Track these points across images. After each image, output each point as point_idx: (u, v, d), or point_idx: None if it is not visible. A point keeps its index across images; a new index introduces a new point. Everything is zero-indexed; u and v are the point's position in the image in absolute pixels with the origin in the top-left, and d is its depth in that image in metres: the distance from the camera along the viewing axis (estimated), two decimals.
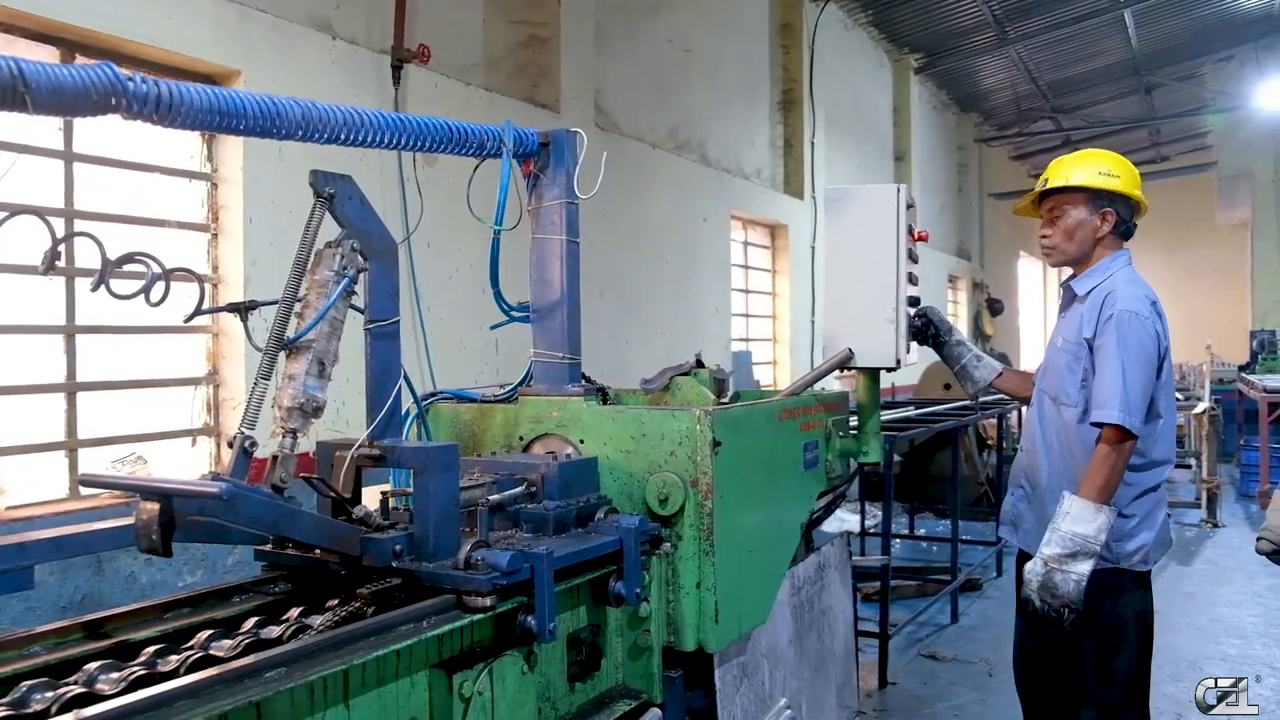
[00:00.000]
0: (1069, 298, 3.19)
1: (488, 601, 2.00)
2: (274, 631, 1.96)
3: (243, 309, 2.18)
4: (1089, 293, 3.06)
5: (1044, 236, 3.18)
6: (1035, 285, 25.94)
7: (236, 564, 4.22)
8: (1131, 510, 2.98)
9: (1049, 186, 3.10)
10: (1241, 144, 16.38)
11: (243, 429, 1.97)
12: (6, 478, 3.79)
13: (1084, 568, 2.76)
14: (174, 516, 1.76)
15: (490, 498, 2.33)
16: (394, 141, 2.35)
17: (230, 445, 2.00)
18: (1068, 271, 3.23)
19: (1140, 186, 3.14)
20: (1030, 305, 24.92)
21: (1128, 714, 3.04)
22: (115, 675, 1.73)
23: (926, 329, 3.42)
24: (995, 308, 18.98)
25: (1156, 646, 5.61)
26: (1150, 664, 3.12)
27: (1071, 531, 2.77)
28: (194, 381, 4.45)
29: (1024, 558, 3.20)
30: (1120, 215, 3.09)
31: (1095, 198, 3.07)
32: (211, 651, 1.85)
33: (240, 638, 1.91)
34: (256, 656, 1.68)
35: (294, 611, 2.06)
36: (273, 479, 2.02)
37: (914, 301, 3.31)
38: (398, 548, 2.10)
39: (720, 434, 2.58)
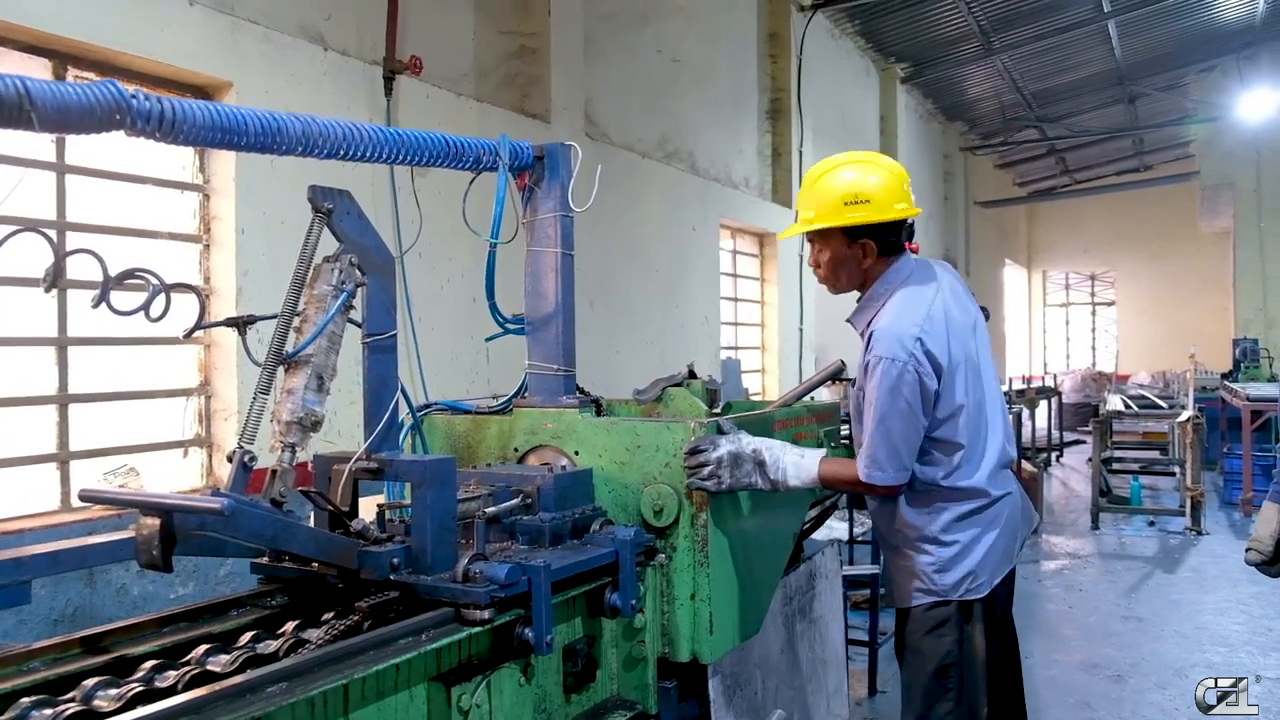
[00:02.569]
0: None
1: (486, 614, 2.01)
2: (273, 646, 1.96)
3: (240, 323, 2.19)
4: (864, 333, 2.75)
5: (814, 267, 2.88)
6: (1021, 292, 26.12)
7: (229, 575, 4.21)
8: (951, 536, 2.72)
9: (791, 234, 2.82)
10: (1224, 153, 16.52)
11: (242, 443, 1.98)
12: None
13: (756, 480, 2.60)
14: (174, 532, 1.77)
15: (487, 510, 2.34)
16: (392, 156, 2.37)
17: (229, 459, 2.01)
18: None
19: (901, 187, 2.72)
20: (1016, 312, 25.09)
21: None
22: (114, 692, 1.73)
23: None
24: (982, 315, 19.09)
25: (1141, 654, 5.73)
26: (983, 707, 2.76)
27: (783, 463, 2.61)
28: (186, 393, 4.44)
29: (899, 614, 2.91)
30: (881, 237, 2.73)
31: (847, 230, 2.72)
32: (210, 667, 1.86)
33: (239, 652, 1.91)
34: (257, 671, 1.69)
35: (292, 626, 2.07)
36: (271, 493, 2.03)
37: None
38: (395, 561, 2.12)
39: None
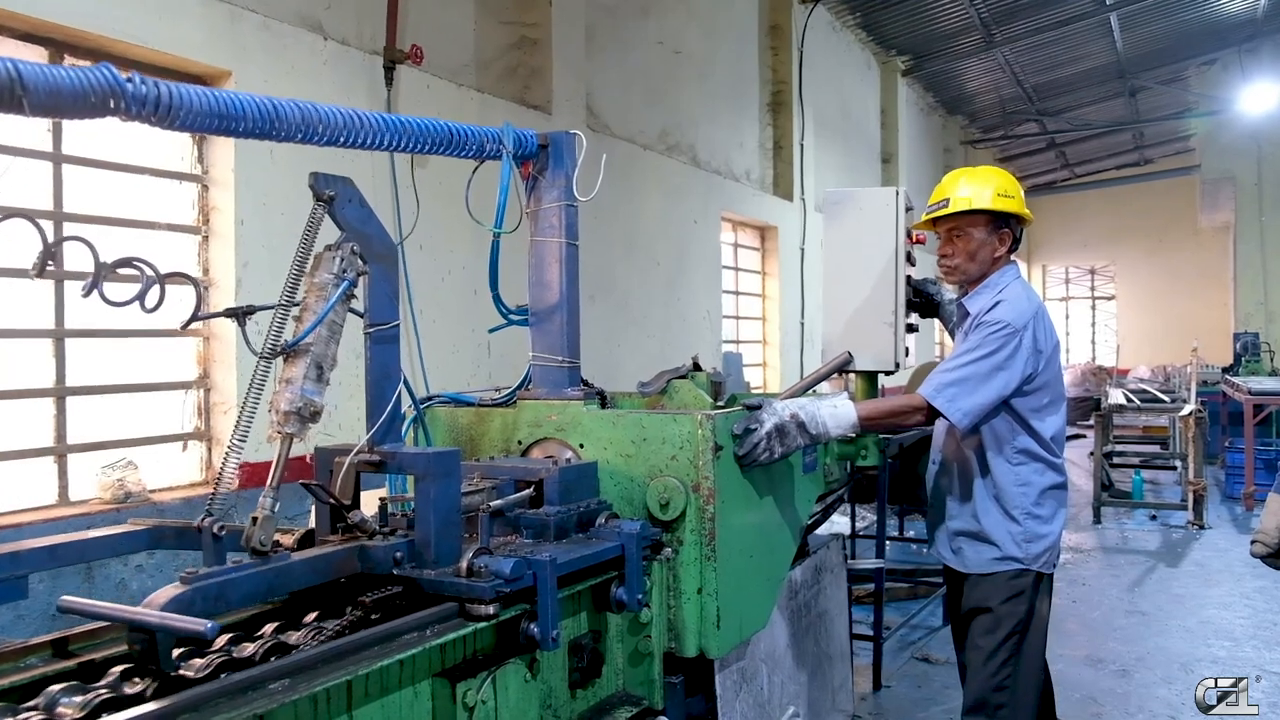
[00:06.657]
0: (963, 315, 3.18)
1: (491, 609, 1.97)
2: (250, 649, 1.89)
3: (240, 314, 2.14)
4: (980, 310, 3.05)
5: (944, 256, 3.15)
6: None
7: None
8: (1042, 509, 3.04)
9: (955, 210, 3.06)
10: (1224, 147, 16.49)
11: (210, 509, 1.93)
12: None
13: (801, 441, 2.73)
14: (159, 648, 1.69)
15: (491, 504, 2.30)
16: (393, 144, 2.32)
17: (198, 529, 1.95)
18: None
19: (1022, 198, 3.17)
20: None
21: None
22: (79, 699, 1.64)
23: (921, 298, 3.46)
24: None
25: (1146, 648, 5.70)
26: (1038, 675, 3.12)
27: (820, 416, 2.76)
28: (185, 386, 4.40)
29: (948, 572, 3.25)
30: (1015, 234, 3.11)
31: (994, 219, 3.07)
32: (183, 671, 1.78)
33: (213, 656, 1.83)
34: (259, 668, 1.65)
35: (271, 628, 2.00)
36: (253, 542, 1.93)
37: (908, 281, 3.37)
38: (399, 555, 2.07)
39: (722, 439, 2.57)
